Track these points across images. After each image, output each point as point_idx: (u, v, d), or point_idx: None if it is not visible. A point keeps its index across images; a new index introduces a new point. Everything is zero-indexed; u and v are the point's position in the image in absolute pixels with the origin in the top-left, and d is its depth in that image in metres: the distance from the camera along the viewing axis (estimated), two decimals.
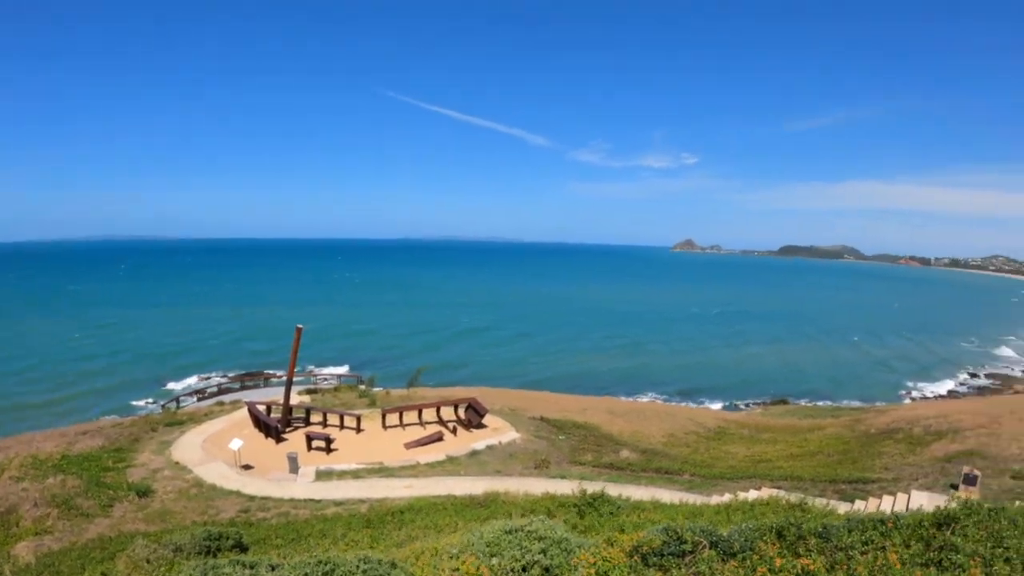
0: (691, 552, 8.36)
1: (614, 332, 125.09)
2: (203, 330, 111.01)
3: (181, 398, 50.96)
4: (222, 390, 52.80)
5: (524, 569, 8.50)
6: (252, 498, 26.49)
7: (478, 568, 8.34)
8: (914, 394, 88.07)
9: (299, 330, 36.85)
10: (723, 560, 8.26)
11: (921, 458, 32.76)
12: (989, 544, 8.28)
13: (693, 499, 24.22)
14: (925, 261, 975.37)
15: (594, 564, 8.13)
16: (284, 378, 39.52)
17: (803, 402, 75.76)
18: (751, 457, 38.14)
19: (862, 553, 8.26)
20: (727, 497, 24.17)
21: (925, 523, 9.09)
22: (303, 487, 28.08)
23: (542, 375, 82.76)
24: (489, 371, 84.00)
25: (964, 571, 7.45)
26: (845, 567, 7.74)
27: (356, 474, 29.97)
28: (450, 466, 31.77)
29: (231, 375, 71.11)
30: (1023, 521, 9.54)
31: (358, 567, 8.81)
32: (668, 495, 25.28)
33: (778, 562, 7.88)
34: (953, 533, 8.76)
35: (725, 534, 8.86)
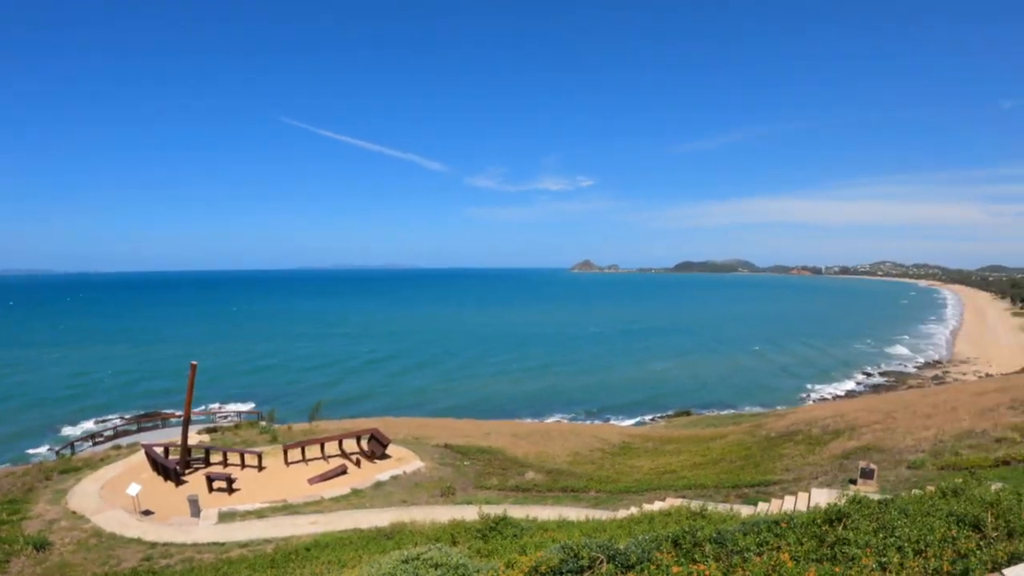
0: (589, 568, 8.37)
1: (518, 355, 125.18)
2: (99, 370, 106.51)
3: (76, 443, 48.44)
4: (119, 433, 50.56)
5: None
6: (154, 545, 25.63)
7: None
8: (813, 396, 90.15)
9: (193, 367, 36.03)
10: (621, 573, 8.28)
11: (820, 457, 33.60)
12: (881, 535, 8.49)
13: (599, 515, 24.46)
14: (816, 270, 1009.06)
15: None
16: (182, 418, 38.53)
17: (706, 412, 76.86)
18: (656, 469, 38.60)
19: (757, 555, 8.38)
20: (633, 511, 24.39)
21: (817, 520, 9.27)
22: (206, 530, 27.31)
23: (447, 402, 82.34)
24: (394, 401, 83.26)
25: (857, 563, 7.55)
26: (741, 570, 7.80)
27: (260, 513, 29.37)
28: (355, 499, 31.42)
29: (128, 417, 68.57)
30: (914, 509, 9.79)
31: None
32: (574, 513, 25.41)
33: (675, 570, 7.95)
34: (844, 528, 8.97)
35: (622, 547, 8.90)
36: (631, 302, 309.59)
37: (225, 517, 28.88)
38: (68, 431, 69.81)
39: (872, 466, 25.39)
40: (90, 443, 48.92)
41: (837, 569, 7.47)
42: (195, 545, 25.31)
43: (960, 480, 12.74)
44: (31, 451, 63.07)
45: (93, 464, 37.80)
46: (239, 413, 59.74)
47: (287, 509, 30.02)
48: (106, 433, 52.14)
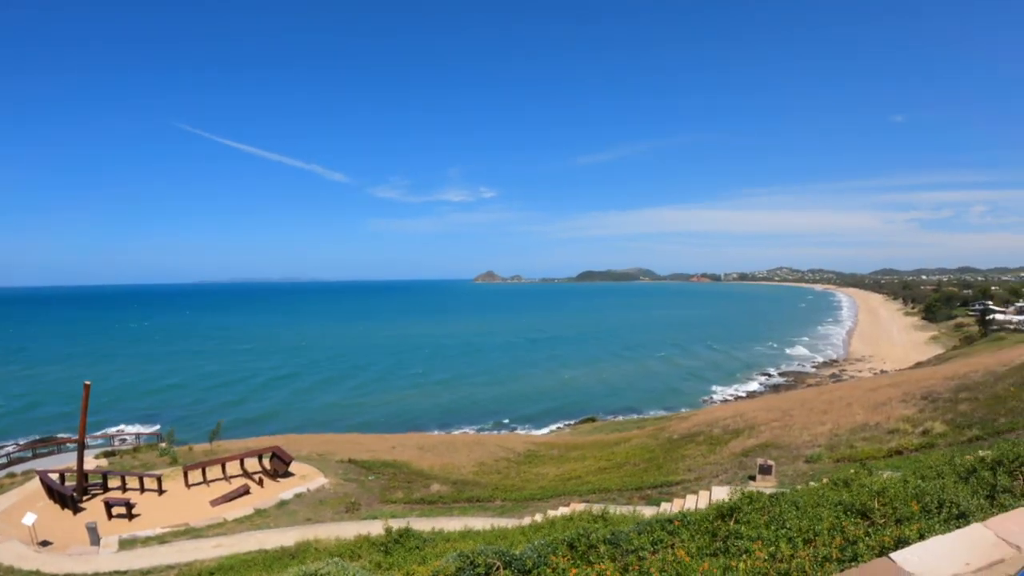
0: (486, 575, 8.29)
1: (427, 367, 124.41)
2: None
3: None
4: (12, 460, 48.20)
5: None
6: None
7: None
8: (716, 398, 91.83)
9: (87, 387, 34.99)
10: None
11: (721, 456, 34.26)
12: (772, 527, 8.68)
13: (505, 523, 24.47)
14: (716, 277, 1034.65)
15: None
16: (77, 442, 37.25)
17: (611, 418, 77.59)
18: (561, 476, 38.94)
19: (652, 553, 8.47)
20: (538, 517, 24.49)
21: (710, 516, 9.39)
22: (107, 559, 26.54)
23: (356, 419, 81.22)
24: (301, 418, 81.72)
25: (750, 555, 7.65)
26: (636, 568, 7.85)
27: (162, 539, 28.71)
28: (259, 519, 30.92)
29: (22, 443, 65.79)
30: (805, 501, 10.00)
31: None
32: (480, 523, 25.41)
33: (571, 572, 7.94)
34: (736, 522, 9.09)
35: (518, 553, 8.90)
36: (536, 311, 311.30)
37: (126, 544, 28.11)
38: None
39: (770, 462, 25.97)
40: None
41: (731, 563, 7.56)
42: (96, 575, 24.54)
43: (852, 471, 13.05)
44: None
45: None
46: (138, 435, 57.99)
47: (190, 533, 29.38)
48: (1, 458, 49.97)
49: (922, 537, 7.17)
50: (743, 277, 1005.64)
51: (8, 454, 51.10)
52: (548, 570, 8.28)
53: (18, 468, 44.37)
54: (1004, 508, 7.87)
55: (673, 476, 31.46)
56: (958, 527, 7.12)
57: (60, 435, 63.23)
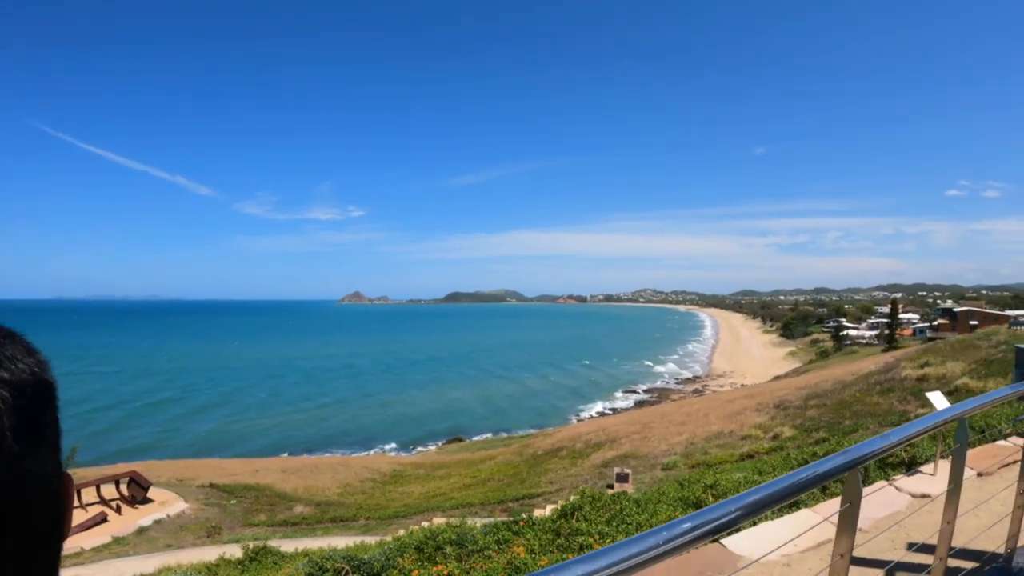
0: None
1: (303, 390, 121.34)
2: None
3: None
4: None
5: None
6: None
7: None
8: (583, 415, 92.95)
9: None
10: None
11: (582, 468, 35.05)
12: (613, 523, 8.93)
13: (369, 540, 24.30)
14: (582, 299, 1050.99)
15: None
16: None
17: (478, 437, 77.69)
18: (426, 494, 39.14)
19: (496, 552, 8.57)
20: (401, 533, 24.42)
21: (554, 517, 9.63)
22: None
23: (229, 445, 78.91)
24: (168, 446, 78.78)
25: (588, 548, 7.90)
26: (479, 567, 7.99)
27: None
28: (117, 547, 29.91)
29: None
30: (645, 499, 10.34)
31: None
32: (344, 541, 25.19)
33: (415, 573, 8.03)
34: (578, 520, 9.33)
35: (367, 557, 8.98)
36: (409, 332, 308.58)
37: None
38: None
39: (627, 471, 26.65)
40: None
41: (569, 555, 7.79)
42: None
43: (697, 473, 13.55)
44: None
45: None
46: None
47: None
48: None
49: (754, 525, 7.53)
50: (609, 298, 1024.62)
51: None
52: (395, 572, 8.38)
53: None
54: (835, 495, 8.37)
55: (535, 489, 32.04)
56: (790, 515, 7.52)
57: None
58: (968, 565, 5.22)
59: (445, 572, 8.03)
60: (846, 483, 3.14)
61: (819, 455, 10.78)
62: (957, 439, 4.12)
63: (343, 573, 8.60)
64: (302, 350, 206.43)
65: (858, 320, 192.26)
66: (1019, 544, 5.14)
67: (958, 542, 4.85)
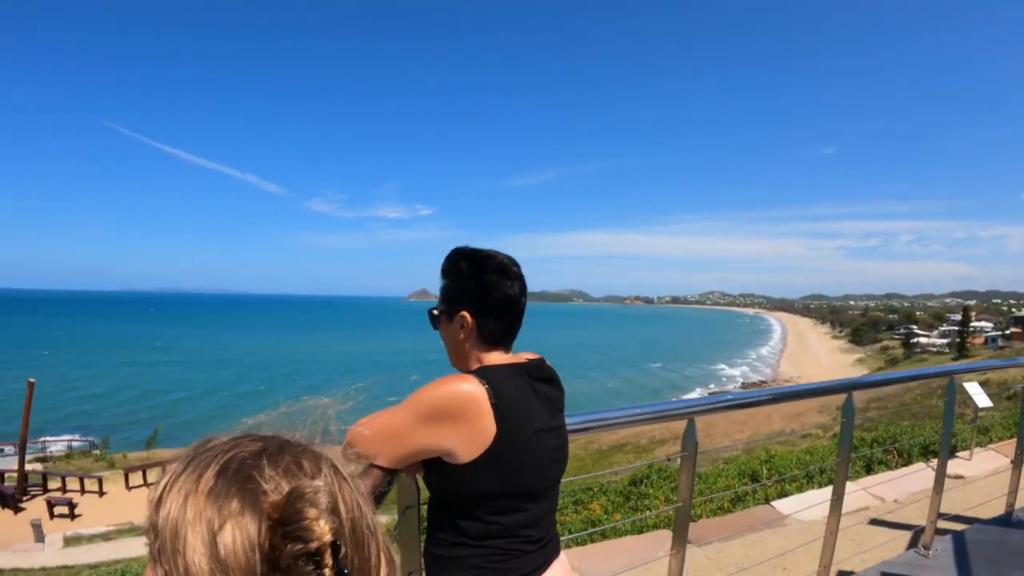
0: None
1: (345, 384, 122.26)
2: None
3: None
4: None
5: None
6: (0, 571, 25.17)
7: None
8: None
9: (31, 384, 35.10)
10: None
11: (645, 460, 36.09)
12: (671, 488, 10.15)
13: None
14: (649, 300, 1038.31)
15: None
16: (11, 448, 37.43)
17: None
18: None
19: (574, 512, 9.94)
20: None
21: (624, 484, 10.92)
22: (52, 555, 26.91)
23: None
24: (226, 429, 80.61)
25: (652, 508, 9.20)
26: (560, 519, 9.32)
27: (107, 536, 29.26)
28: None
29: None
30: (707, 472, 11.52)
31: None
32: None
33: None
34: (645, 486, 10.57)
35: None
36: None
37: (71, 541, 28.53)
38: None
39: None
40: None
41: (636, 514, 9.09)
42: (44, 570, 24.93)
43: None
44: None
45: None
46: (70, 443, 57.30)
47: (134, 531, 29.84)
48: None
49: (801, 491, 8.72)
50: (676, 300, 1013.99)
51: None
52: None
53: None
54: (874, 473, 9.55)
55: (600, 479, 33.22)
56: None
57: None
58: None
59: None
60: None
61: (866, 440, 11.90)
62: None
63: None
64: (376, 344, 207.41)
65: (929, 327, 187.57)
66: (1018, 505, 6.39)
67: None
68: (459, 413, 2.02)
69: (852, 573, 5.33)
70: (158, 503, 0.89)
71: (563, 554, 2.31)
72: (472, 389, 2.03)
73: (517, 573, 2.08)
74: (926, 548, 5.58)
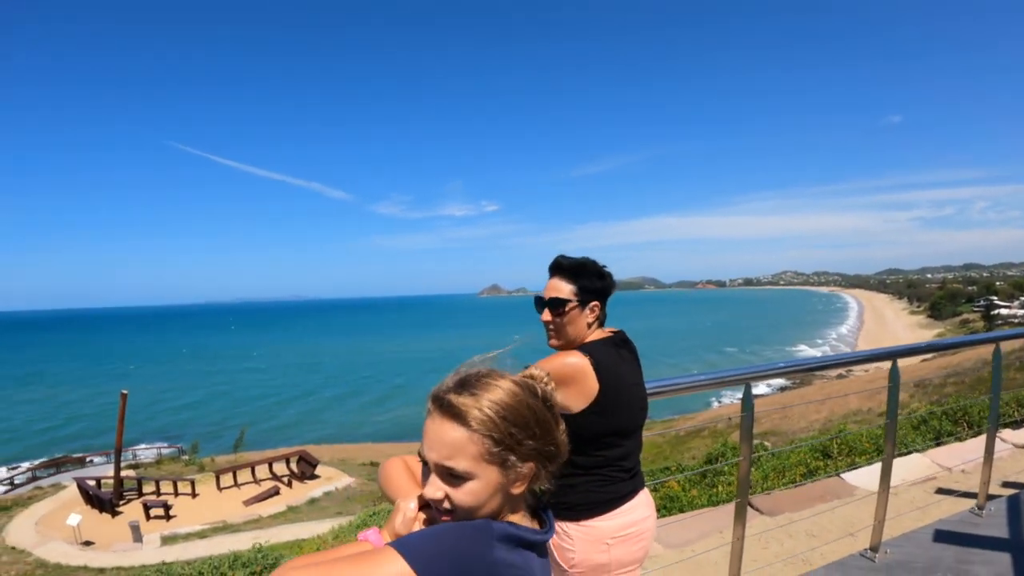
0: None
1: (427, 382, 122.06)
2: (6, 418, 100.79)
3: None
4: (37, 476, 49.00)
5: None
6: (102, 570, 26.31)
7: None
8: (724, 400, 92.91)
9: (124, 396, 36.41)
10: None
11: (723, 446, 36.26)
12: (752, 467, 10.69)
13: None
14: (721, 283, 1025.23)
15: None
16: (101, 458, 38.65)
17: None
18: None
19: (653, 491, 10.51)
20: None
21: (700, 462, 11.44)
22: (151, 553, 27.95)
23: (368, 430, 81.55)
24: (317, 432, 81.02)
25: (729, 486, 9.74)
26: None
27: (201, 534, 30.31)
28: (292, 515, 32.61)
29: (37, 463, 65.23)
30: (781, 450, 11.95)
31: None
32: None
33: None
34: (719, 463, 11.08)
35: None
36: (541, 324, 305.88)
37: (168, 540, 29.70)
38: None
39: (767, 444, 27.97)
40: (8, 485, 46.97)
41: (712, 490, 9.63)
42: (143, 567, 25.47)
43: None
44: None
45: (23, 502, 37.59)
46: (159, 450, 58.62)
47: (227, 528, 31.01)
48: (20, 477, 50.20)
49: (870, 463, 9.16)
50: (748, 282, 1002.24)
51: (31, 471, 51.70)
52: None
53: (44, 482, 45.56)
54: (944, 444, 9.91)
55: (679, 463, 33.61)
56: (903, 457, 9.08)
57: (72, 455, 62.84)
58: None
59: None
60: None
61: (936, 413, 12.21)
62: None
63: None
64: (456, 341, 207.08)
65: (1010, 298, 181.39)
66: None
67: None
68: (571, 378, 2.91)
69: (909, 531, 5.79)
70: (497, 415, 1.59)
71: (645, 488, 3.17)
72: (578, 360, 2.92)
73: (615, 495, 2.95)
74: (980, 508, 6.02)
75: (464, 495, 1.52)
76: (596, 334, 3.25)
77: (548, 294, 3.20)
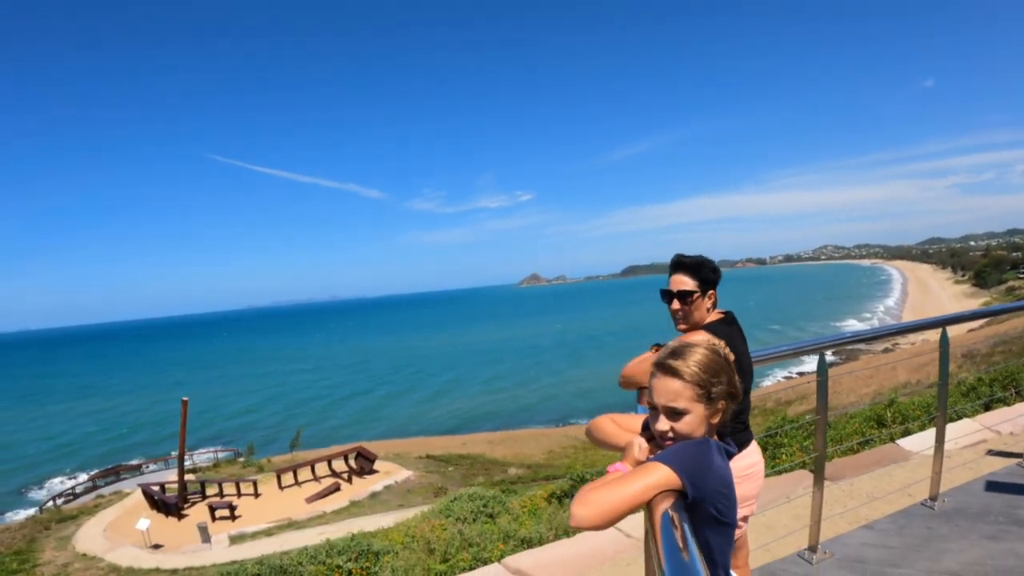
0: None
1: (472, 374, 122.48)
2: (70, 430, 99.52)
3: (57, 498, 47.64)
4: (97, 485, 50.24)
5: (475, 513, 10.92)
6: (175, 571, 26.99)
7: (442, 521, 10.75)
8: (769, 379, 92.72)
9: (185, 403, 37.29)
10: None
11: (773, 423, 36.62)
12: (807, 440, 11.20)
13: None
14: (761, 261, 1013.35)
15: (524, 505, 10.66)
16: (156, 465, 39.58)
17: None
18: None
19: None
20: None
21: (761, 435, 12.11)
22: (220, 552, 28.76)
23: (419, 426, 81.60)
24: (370, 430, 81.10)
25: (789, 455, 10.35)
26: None
27: (268, 532, 31.01)
28: (355, 509, 33.32)
29: (94, 472, 65.55)
30: (836, 420, 12.57)
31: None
32: (549, 488, 27.48)
33: None
34: (778, 436, 11.66)
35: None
36: (594, 310, 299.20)
37: (236, 539, 30.41)
38: (35, 494, 64.81)
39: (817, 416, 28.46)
40: (62, 498, 47.42)
41: (774, 461, 10.24)
42: (215, 566, 26.24)
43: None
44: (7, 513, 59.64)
45: (89, 511, 38.49)
46: (215, 453, 59.39)
47: (293, 525, 31.80)
48: (83, 486, 51.83)
49: (923, 429, 9.73)
50: (789, 259, 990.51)
51: (93, 480, 52.50)
52: None
53: (105, 490, 46.50)
54: (992, 410, 10.45)
55: None
56: (954, 423, 9.63)
57: (128, 462, 63.10)
58: None
59: None
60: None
61: (984, 380, 12.71)
62: None
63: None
64: (504, 331, 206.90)
65: None
66: None
67: None
68: None
69: (962, 484, 6.44)
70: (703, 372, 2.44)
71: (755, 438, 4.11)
72: (706, 337, 3.33)
73: (739, 442, 3.70)
74: None
75: (683, 426, 2.40)
76: (712, 316, 4.05)
77: (676, 287, 3.99)
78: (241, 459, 50.82)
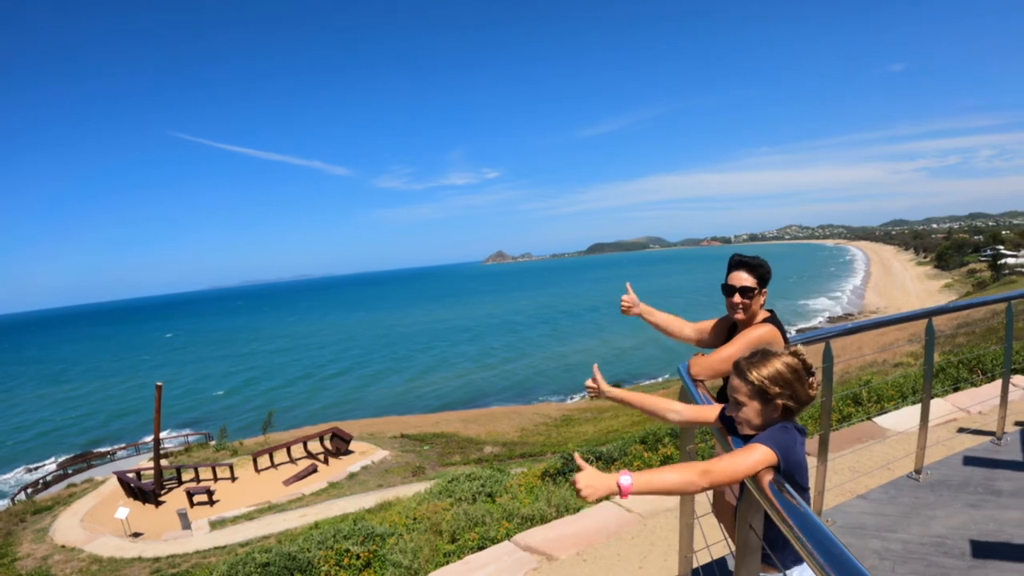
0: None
1: (443, 352, 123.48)
2: (42, 416, 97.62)
3: (28, 488, 47.29)
4: (67, 474, 50.01)
5: (475, 493, 11.38)
6: (157, 559, 26.72)
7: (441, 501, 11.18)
8: None
9: (159, 388, 36.88)
10: (608, 466, 11.42)
11: None
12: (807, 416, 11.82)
13: None
14: (726, 240, 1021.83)
15: (520, 484, 11.12)
16: (125, 452, 39.32)
17: (648, 381, 78.99)
18: (600, 431, 42.15)
19: (702, 442, 11.61)
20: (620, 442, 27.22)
21: None
22: (202, 539, 28.72)
23: (389, 404, 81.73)
24: (343, 410, 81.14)
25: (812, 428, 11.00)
26: (698, 447, 11.08)
27: (249, 516, 30.92)
28: (334, 490, 33.56)
29: (62, 459, 64.53)
30: (825, 382, 13.16)
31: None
32: (543, 466, 27.87)
33: (646, 455, 11.09)
34: None
35: (604, 450, 12.04)
36: (557, 287, 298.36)
37: (216, 525, 30.22)
38: (1, 485, 63.57)
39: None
40: (41, 486, 47.35)
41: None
42: (198, 552, 26.72)
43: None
44: None
45: (64, 501, 38.03)
46: (187, 436, 59.52)
47: (273, 508, 31.84)
48: (54, 474, 51.11)
49: (898, 409, 10.34)
50: (753, 238, 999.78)
51: (63, 469, 51.99)
52: (629, 456, 11.44)
53: (77, 479, 46.11)
54: (962, 390, 11.09)
55: None
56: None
57: (97, 449, 62.43)
58: None
59: (669, 452, 11.12)
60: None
61: (953, 362, 13.39)
62: None
63: (589, 461, 11.69)
64: (455, 311, 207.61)
65: (1017, 247, 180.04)
66: None
67: None
68: (774, 339, 4.34)
69: (942, 458, 7.06)
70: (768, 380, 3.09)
71: None
72: (771, 329, 4.23)
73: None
74: (998, 439, 7.29)
75: (743, 414, 3.14)
76: (763, 313, 4.64)
77: (738, 283, 4.58)
78: (213, 443, 50.57)
